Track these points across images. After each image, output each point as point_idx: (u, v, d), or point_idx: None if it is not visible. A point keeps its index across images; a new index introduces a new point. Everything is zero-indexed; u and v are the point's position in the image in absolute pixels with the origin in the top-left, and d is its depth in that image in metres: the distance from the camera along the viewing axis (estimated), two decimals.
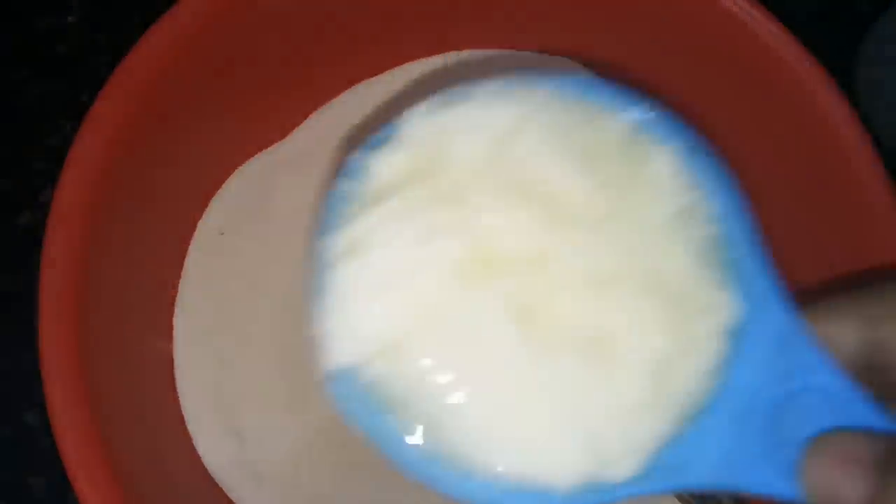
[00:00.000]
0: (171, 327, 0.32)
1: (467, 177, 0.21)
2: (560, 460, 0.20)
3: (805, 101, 0.31)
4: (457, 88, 0.22)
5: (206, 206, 0.33)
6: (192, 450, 0.31)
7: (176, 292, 0.32)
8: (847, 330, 0.20)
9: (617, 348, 0.20)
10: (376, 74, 0.36)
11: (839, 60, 0.42)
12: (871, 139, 0.30)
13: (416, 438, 0.20)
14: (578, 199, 0.21)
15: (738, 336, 0.21)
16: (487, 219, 0.20)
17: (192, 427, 0.31)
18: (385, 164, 0.21)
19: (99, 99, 0.28)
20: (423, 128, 0.21)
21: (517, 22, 0.35)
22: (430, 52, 0.36)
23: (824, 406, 0.20)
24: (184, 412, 0.31)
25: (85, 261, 0.27)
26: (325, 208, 0.21)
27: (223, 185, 0.34)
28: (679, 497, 0.28)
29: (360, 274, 0.20)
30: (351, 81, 0.35)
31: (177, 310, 0.32)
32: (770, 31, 0.30)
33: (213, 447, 0.31)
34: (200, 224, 0.33)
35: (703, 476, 0.20)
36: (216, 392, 0.31)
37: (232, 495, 0.31)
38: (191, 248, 0.33)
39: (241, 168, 0.34)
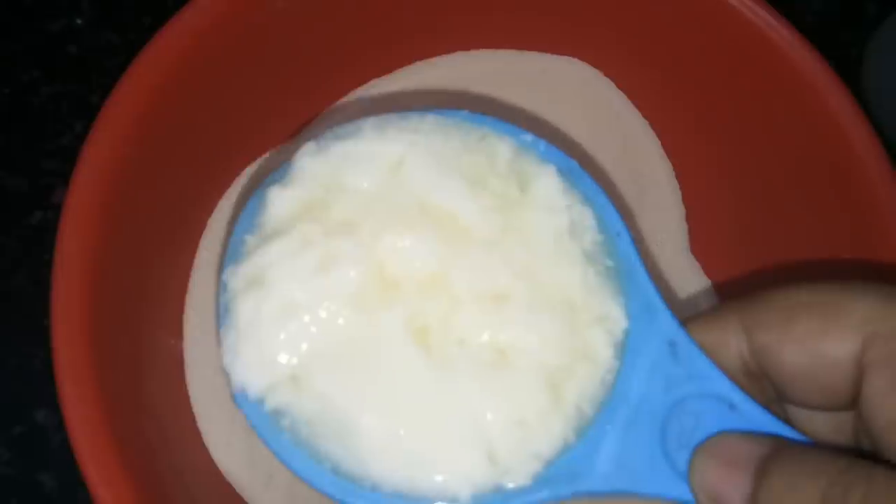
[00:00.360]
0: (181, 325, 0.32)
1: (361, 206, 0.22)
2: (461, 471, 0.20)
3: (813, 102, 0.31)
4: (346, 125, 0.23)
5: (216, 204, 0.34)
6: (203, 447, 0.31)
7: (187, 291, 0.33)
8: (729, 338, 0.21)
9: (513, 361, 0.21)
10: (385, 74, 0.36)
11: (847, 63, 0.42)
12: (879, 140, 0.30)
13: (322, 458, 0.21)
14: (470, 220, 0.22)
15: (628, 345, 0.22)
16: (382, 245, 0.21)
17: (203, 425, 0.31)
18: (281, 200, 0.22)
19: (110, 100, 0.28)
20: (316, 163, 0.22)
21: (522, 22, 0.35)
22: (438, 52, 0.36)
23: (712, 411, 0.21)
24: (195, 410, 0.31)
25: (97, 260, 0.27)
26: (228, 243, 0.22)
27: (233, 184, 0.34)
28: None
29: (263, 306, 0.21)
30: (359, 81, 0.36)
31: (188, 308, 0.32)
32: (770, 25, 0.30)
33: (223, 445, 0.31)
34: (210, 221, 0.33)
35: (600, 482, 0.21)
36: (227, 390, 0.31)
37: (242, 493, 0.31)
38: (201, 246, 0.33)
39: (250, 167, 0.34)
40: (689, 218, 0.36)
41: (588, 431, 0.21)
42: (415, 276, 0.21)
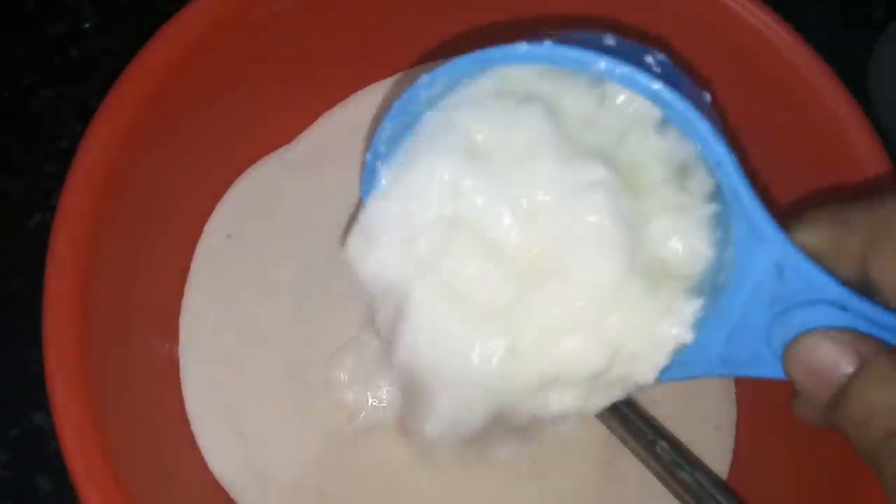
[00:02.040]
0: (177, 329, 0.32)
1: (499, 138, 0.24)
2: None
3: (816, 105, 0.30)
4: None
5: (212, 208, 0.34)
6: (197, 452, 0.31)
7: (182, 295, 0.32)
8: (840, 254, 0.22)
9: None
10: (383, 78, 0.36)
11: (855, 66, 0.42)
12: (881, 142, 0.30)
13: None
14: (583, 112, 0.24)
15: (735, 266, 0.23)
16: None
17: (197, 429, 0.31)
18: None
19: (105, 103, 0.28)
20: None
21: (521, 31, 0.35)
22: (437, 58, 0.36)
23: (822, 314, 0.22)
24: (189, 414, 0.31)
25: (90, 262, 0.27)
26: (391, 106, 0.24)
27: (230, 188, 0.34)
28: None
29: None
30: (358, 85, 0.35)
31: (183, 312, 0.32)
32: (770, 26, 0.30)
33: (217, 449, 0.31)
34: (207, 227, 0.33)
35: (707, 369, 0.24)
36: (222, 394, 0.31)
37: (236, 498, 0.30)
38: (197, 250, 0.33)
39: (247, 171, 0.34)
40: None
41: (700, 334, 0.23)
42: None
